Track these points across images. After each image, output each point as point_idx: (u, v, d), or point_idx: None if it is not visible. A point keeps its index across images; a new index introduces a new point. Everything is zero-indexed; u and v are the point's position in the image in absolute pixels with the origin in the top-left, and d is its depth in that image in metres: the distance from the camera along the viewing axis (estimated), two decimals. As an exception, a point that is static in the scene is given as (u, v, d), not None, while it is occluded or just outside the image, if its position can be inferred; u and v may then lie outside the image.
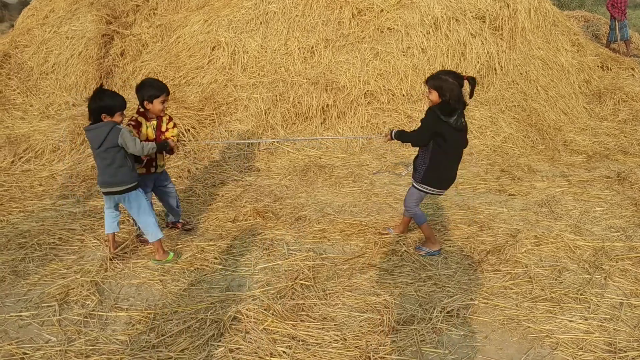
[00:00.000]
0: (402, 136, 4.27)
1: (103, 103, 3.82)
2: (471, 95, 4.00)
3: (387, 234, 4.63)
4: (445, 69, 7.78)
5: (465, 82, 3.96)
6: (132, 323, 3.40)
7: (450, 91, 3.92)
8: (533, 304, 3.57)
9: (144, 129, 4.24)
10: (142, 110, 4.25)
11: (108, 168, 3.91)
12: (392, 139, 4.38)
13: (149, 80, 4.29)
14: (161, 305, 3.59)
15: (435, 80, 4.00)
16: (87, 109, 3.88)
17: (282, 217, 5.00)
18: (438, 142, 4.01)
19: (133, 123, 4.20)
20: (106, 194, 4.04)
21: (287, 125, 7.18)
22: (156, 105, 4.18)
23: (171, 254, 4.24)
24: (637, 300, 3.59)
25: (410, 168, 4.45)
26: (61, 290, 3.74)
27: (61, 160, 6.28)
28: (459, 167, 4.19)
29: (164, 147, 4.26)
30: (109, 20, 8.54)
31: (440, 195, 4.64)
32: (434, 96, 4.02)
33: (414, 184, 4.25)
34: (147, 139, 4.24)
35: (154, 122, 4.29)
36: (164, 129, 4.37)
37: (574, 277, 3.91)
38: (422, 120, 4.07)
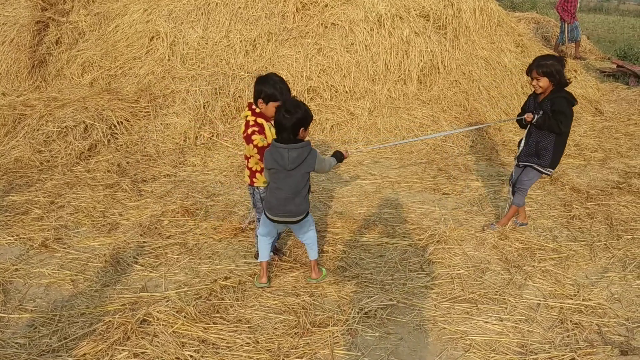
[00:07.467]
0: (550, 126, 4.14)
1: (303, 115, 3.30)
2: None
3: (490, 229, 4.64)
4: (389, 65, 7.80)
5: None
6: (34, 325, 3.24)
7: (558, 72, 4.06)
8: (451, 304, 3.55)
9: (267, 131, 3.63)
10: (257, 110, 3.63)
11: (297, 195, 3.43)
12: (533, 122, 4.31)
13: (275, 79, 3.59)
14: (69, 307, 3.42)
15: (542, 67, 4.08)
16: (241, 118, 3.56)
17: (213, 214, 4.87)
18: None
19: (257, 128, 3.58)
20: (280, 222, 3.54)
21: (227, 119, 7.02)
22: (270, 108, 3.56)
23: (324, 269, 3.91)
24: (555, 301, 3.62)
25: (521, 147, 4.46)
26: (-37, 291, 3.54)
27: (-17, 151, 5.98)
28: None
29: (342, 159, 3.84)
30: (44, 7, 8.17)
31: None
32: (545, 82, 4.12)
33: (539, 169, 4.34)
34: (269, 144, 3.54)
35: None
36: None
37: (496, 277, 3.92)
38: (559, 111, 4.08)
